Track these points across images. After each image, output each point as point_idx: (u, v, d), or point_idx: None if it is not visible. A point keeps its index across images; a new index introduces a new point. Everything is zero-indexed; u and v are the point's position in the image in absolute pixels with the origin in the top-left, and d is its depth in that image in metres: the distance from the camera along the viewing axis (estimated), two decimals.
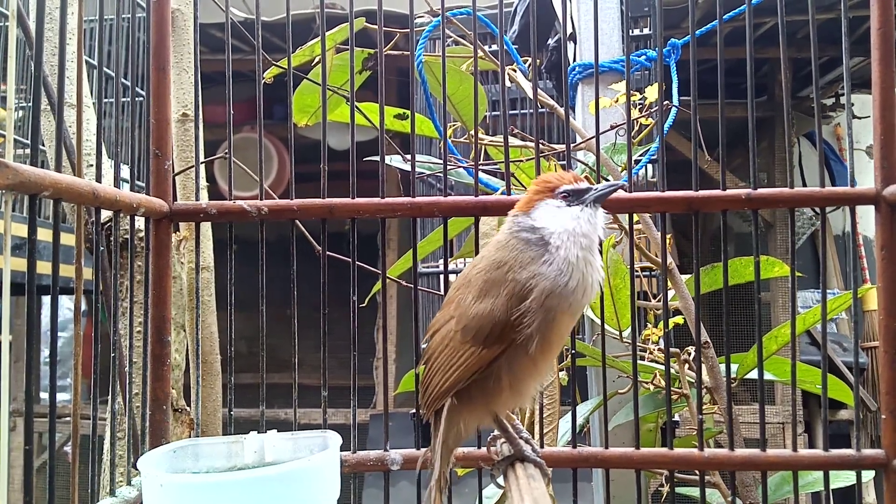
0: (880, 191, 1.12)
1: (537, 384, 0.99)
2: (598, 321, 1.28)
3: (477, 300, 0.92)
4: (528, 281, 0.90)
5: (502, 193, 1.36)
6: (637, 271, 1.57)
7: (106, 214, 1.23)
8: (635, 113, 1.57)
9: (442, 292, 1.30)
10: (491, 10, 2.65)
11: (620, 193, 1.26)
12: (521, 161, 1.60)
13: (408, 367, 3.31)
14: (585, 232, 0.93)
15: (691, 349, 1.53)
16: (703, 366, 1.43)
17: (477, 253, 1.24)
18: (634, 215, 1.40)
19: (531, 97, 1.30)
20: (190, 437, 1.49)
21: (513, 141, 1.51)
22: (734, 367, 1.40)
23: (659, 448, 1.29)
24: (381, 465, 1.19)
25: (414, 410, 1.27)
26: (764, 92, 4.60)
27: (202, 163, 1.36)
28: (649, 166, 1.84)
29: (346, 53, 1.28)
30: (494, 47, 1.53)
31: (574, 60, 1.89)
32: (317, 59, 1.46)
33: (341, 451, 1.07)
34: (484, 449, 1.17)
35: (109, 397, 1.20)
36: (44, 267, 1.12)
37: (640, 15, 2.40)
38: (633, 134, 1.53)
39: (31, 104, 0.89)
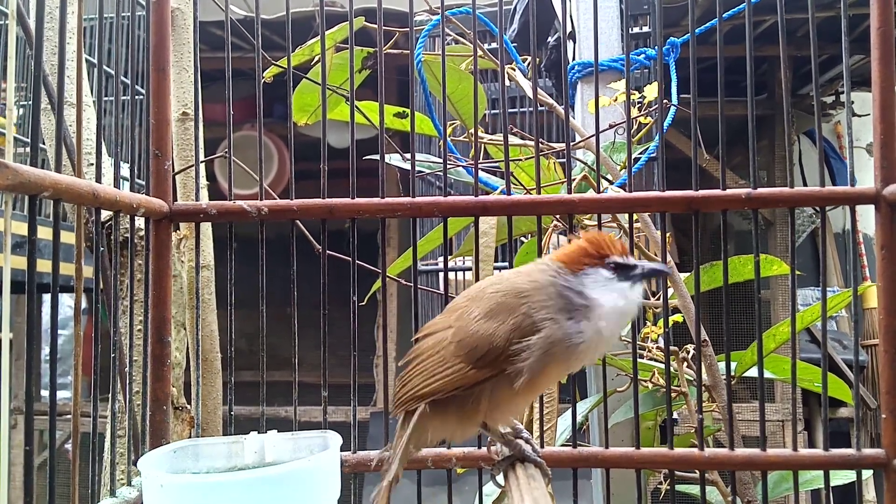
0: (880, 190, 1.12)
1: (512, 416, 0.99)
2: None
3: (482, 318, 0.90)
4: (541, 322, 0.88)
5: (502, 192, 1.36)
6: None
7: (106, 214, 1.23)
8: (634, 112, 1.57)
9: (441, 290, 1.30)
10: (490, 9, 2.66)
11: (620, 192, 1.27)
12: (521, 160, 1.61)
13: None
14: (629, 311, 0.94)
15: (689, 347, 1.53)
16: (703, 364, 1.43)
17: (477, 251, 1.24)
18: (634, 214, 1.40)
19: (530, 96, 1.30)
20: (190, 435, 1.49)
21: (512, 140, 1.51)
22: (733, 365, 1.41)
23: (659, 448, 1.29)
24: (381, 465, 1.19)
25: None
26: (764, 90, 4.60)
27: (202, 162, 1.36)
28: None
29: (346, 52, 1.28)
30: (494, 46, 1.52)
31: (573, 59, 1.89)
32: (316, 58, 1.46)
33: (342, 450, 1.07)
34: (484, 449, 1.17)
35: (110, 396, 1.20)
36: (44, 265, 1.12)
37: (639, 13, 2.40)
38: (632, 132, 1.53)
39: (31, 103, 0.89)
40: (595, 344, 0.92)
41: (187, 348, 1.69)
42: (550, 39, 2.14)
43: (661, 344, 1.55)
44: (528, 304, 0.89)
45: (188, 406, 1.64)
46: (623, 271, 0.93)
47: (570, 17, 1.90)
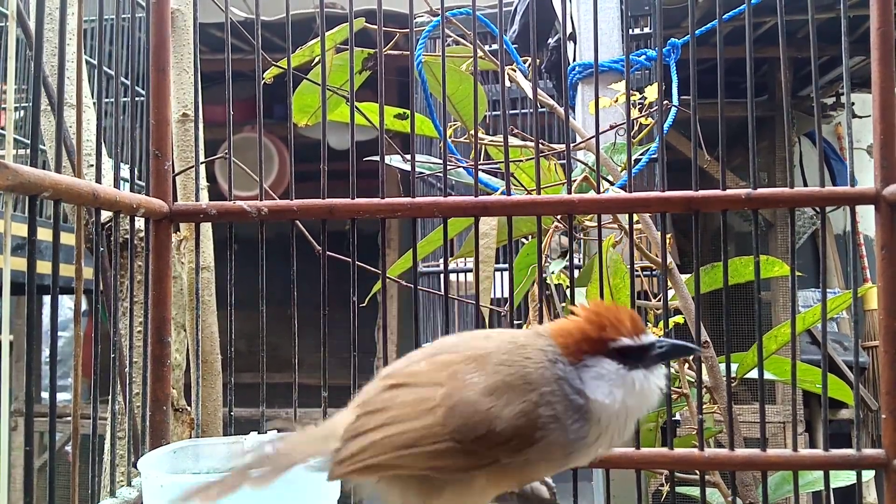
0: (880, 190, 1.12)
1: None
2: None
3: (484, 391, 0.73)
4: (546, 420, 0.73)
5: (502, 193, 1.36)
6: (637, 271, 1.57)
7: (106, 215, 1.23)
8: (635, 112, 1.57)
9: (442, 292, 1.30)
10: (491, 10, 2.66)
11: (620, 193, 1.26)
12: (521, 161, 1.60)
13: None
14: (644, 405, 0.77)
15: None
16: (703, 365, 1.43)
17: (477, 253, 1.24)
18: (634, 215, 1.40)
19: (531, 97, 1.30)
20: (191, 436, 1.49)
21: (513, 141, 1.51)
22: (734, 366, 1.40)
23: (659, 448, 1.29)
24: None
25: None
26: (764, 91, 4.59)
27: (202, 163, 1.36)
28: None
29: (346, 53, 1.28)
30: (494, 47, 1.52)
31: (574, 60, 1.89)
32: (317, 59, 1.46)
33: None
34: None
35: (110, 397, 1.20)
36: (44, 267, 1.12)
37: (639, 14, 2.40)
38: (632, 133, 1.53)
39: (31, 104, 0.89)
40: (597, 447, 0.77)
41: (187, 350, 1.69)
42: (551, 40, 2.14)
43: None
44: (538, 394, 0.73)
45: (188, 408, 1.64)
46: (633, 357, 0.75)
47: (571, 18, 1.90)
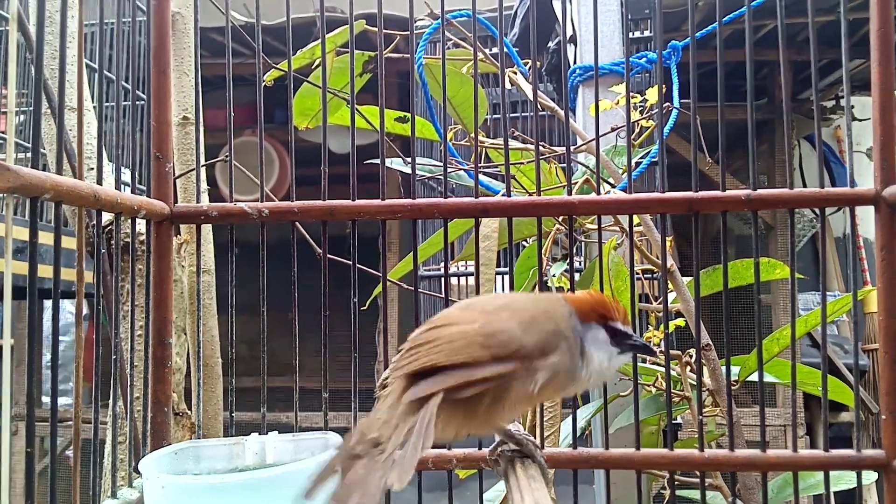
0: (880, 191, 1.12)
1: (507, 419, 1.01)
2: None
3: (515, 324, 0.92)
4: (559, 346, 0.92)
5: (503, 195, 1.36)
6: (638, 273, 1.57)
7: (107, 218, 1.23)
8: (635, 115, 1.57)
9: (443, 295, 1.30)
10: (491, 13, 2.66)
11: (620, 194, 1.27)
12: (522, 163, 1.61)
13: None
14: (608, 374, 1.00)
15: (692, 351, 1.52)
16: (705, 368, 1.43)
17: (477, 254, 1.24)
18: (635, 217, 1.40)
19: (531, 100, 1.31)
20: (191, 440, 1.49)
21: (513, 143, 1.51)
22: (737, 369, 1.40)
23: (659, 449, 1.29)
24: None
25: None
26: (764, 94, 4.60)
27: (203, 165, 1.37)
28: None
29: (346, 56, 1.28)
30: (495, 50, 1.53)
31: (574, 63, 1.90)
32: (317, 62, 1.47)
33: None
34: (485, 450, 1.17)
35: (111, 399, 1.20)
36: (45, 271, 1.12)
37: (640, 17, 2.40)
38: (633, 136, 1.53)
39: (31, 108, 0.89)
40: (584, 383, 0.98)
41: (188, 354, 1.68)
42: (551, 43, 2.15)
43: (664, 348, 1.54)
44: (557, 324, 0.93)
45: (189, 412, 1.64)
46: (617, 337, 0.98)
47: (571, 20, 1.90)
